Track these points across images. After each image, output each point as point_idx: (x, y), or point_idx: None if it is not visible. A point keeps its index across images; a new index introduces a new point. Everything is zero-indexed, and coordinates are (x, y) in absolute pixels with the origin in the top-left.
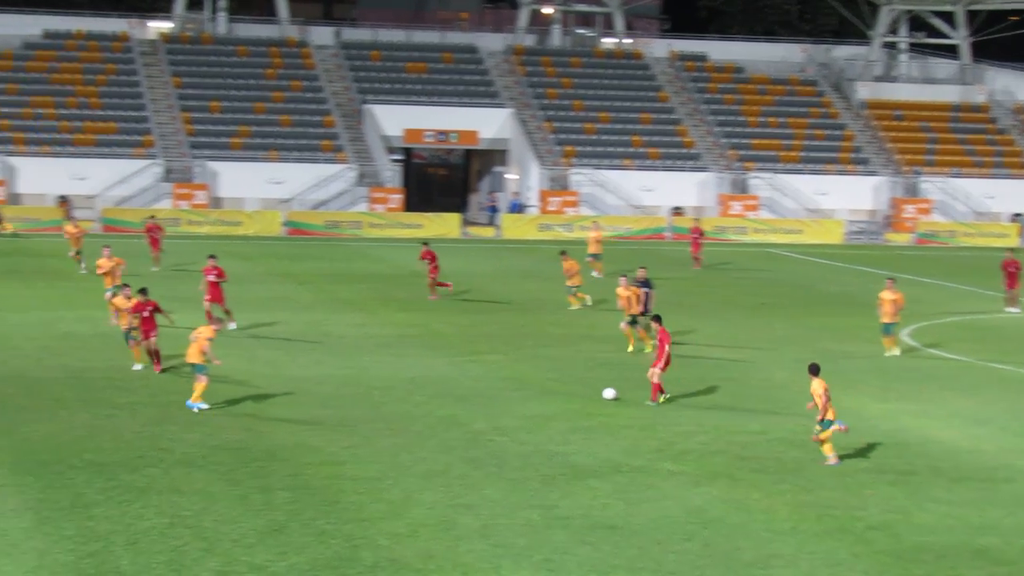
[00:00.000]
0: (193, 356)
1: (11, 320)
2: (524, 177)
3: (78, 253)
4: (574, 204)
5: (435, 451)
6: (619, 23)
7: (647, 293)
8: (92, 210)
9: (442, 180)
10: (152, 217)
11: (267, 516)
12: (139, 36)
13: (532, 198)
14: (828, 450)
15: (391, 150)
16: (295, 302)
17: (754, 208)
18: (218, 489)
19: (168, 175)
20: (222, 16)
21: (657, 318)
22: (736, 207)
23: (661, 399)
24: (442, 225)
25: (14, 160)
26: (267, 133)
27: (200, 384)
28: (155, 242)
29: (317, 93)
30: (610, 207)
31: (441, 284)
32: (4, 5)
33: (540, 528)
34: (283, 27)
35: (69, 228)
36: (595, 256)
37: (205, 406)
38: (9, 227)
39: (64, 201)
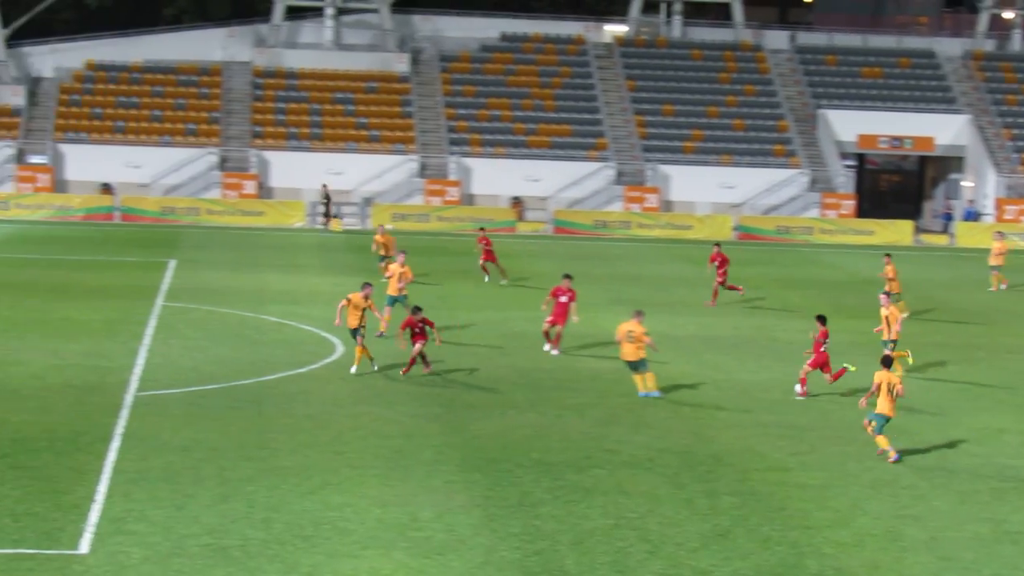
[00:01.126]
0: (630, 355)
1: (463, 319)
2: (980, 185)
3: (385, 260)
4: None
5: (883, 460)
6: None
7: None
8: (544, 211)
9: (895, 186)
10: (482, 229)
11: (712, 520)
12: (595, 39)
13: (988, 206)
14: None
15: (844, 155)
16: (741, 306)
17: None
18: (664, 492)
19: (620, 178)
20: (677, 20)
21: None
22: None
23: None
24: (895, 232)
25: (469, 161)
26: (719, 137)
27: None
28: (489, 254)
29: (771, 97)
30: None
31: (732, 287)
32: (463, 8)
33: (989, 542)
34: (737, 31)
35: (378, 237)
36: (996, 268)
37: (657, 393)
38: (338, 225)
39: (517, 202)
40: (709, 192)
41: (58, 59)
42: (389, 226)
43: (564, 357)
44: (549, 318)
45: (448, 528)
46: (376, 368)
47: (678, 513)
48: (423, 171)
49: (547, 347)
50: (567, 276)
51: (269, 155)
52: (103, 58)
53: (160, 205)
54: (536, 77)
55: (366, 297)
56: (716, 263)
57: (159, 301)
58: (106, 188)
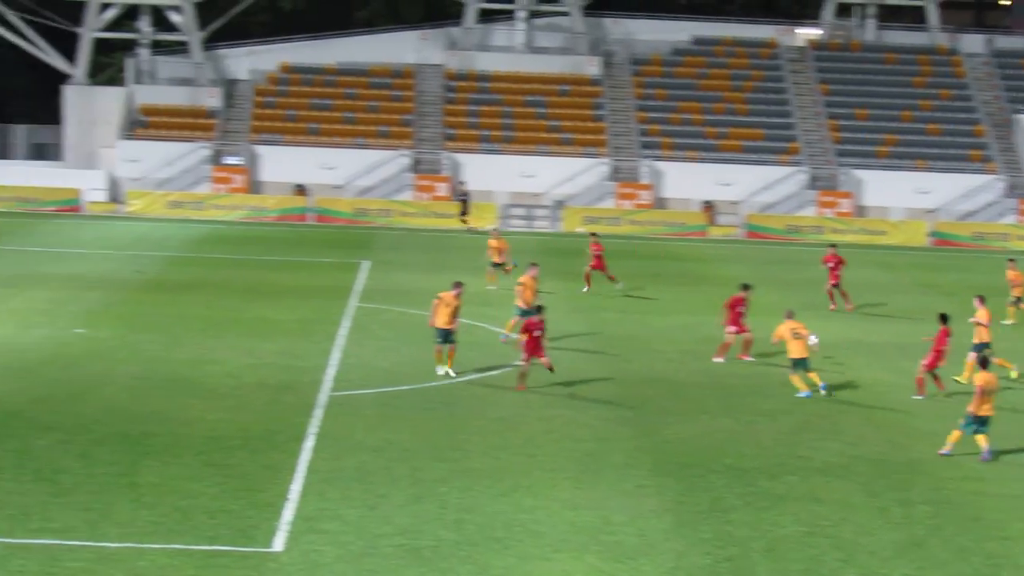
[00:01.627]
0: (800, 352)
1: (655, 324)
2: None
3: (498, 266)
4: None
5: None
6: None
7: None
8: (736, 216)
9: None
10: (594, 235)
11: (906, 530)
12: (787, 43)
13: None
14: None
15: None
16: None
17: None
18: (857, 500)
19: (813, 183)
20: (871, 23)
21: None
22: None
23: None
24: None
25: (661, 165)
26: (913, 142)
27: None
28: (600, 260)
29: (966, 102)
30: None
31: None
32: (655, 12)
33: None
34: (932, 35)
35: (492, 242)
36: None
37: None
38: (470, 222)
39: (709, 207)
40: (903, 197)
41: (253, 61)
42: (492, 228)
43: (757, 363)
44: (732, 329)
45: (640, 532)
46: (453, 374)
47: (872, 521)
48: (614, 174)
49: (747, 358)
50: (745, 287)
51: (461, 157)
52: (297, 60)
53: (353, 207)
54: (728, 81)
55: (457, 296)
56: (830, 265)
57: (353, 302)
58: (300, 189)
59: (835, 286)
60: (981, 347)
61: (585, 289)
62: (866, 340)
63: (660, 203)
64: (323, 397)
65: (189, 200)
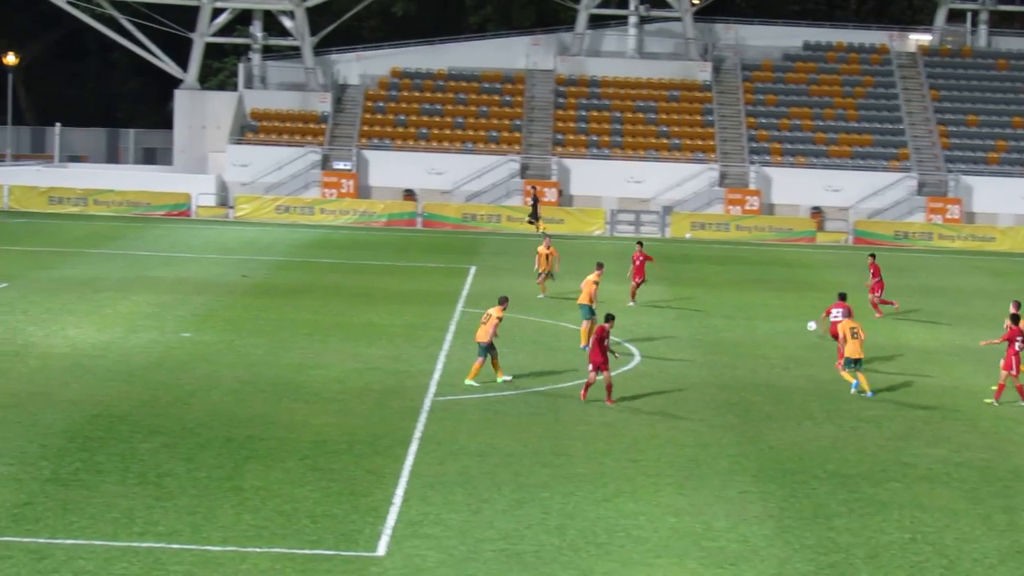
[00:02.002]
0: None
1: (761, 329)
2: None
3: (548, 275)
4: None
5: None
6: None
7: None
8: (844, 222)
9: None
10: (640, 244)
11: (1010, 537)
12: (898, 49)
13: None
14: None
15: None
16: None
17: None
18: (961, 507)
19: (921, 189)
20: (983, 29)
21: None
22: None
23: None
24: None
25: (769, 170)
26: None
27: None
28: (641, 271)
29: None
30: None
31: (884, 302)
32: (766, 17)
33: None
34: None
35: (542, 249)
36: None
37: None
38: (542, 227)
39: (817, 212)
40: (1013, 204)
41: (364, 66)
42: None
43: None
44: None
45: (742, 538)
46: (477, 385)
47: (975, 529)
48: (723, 180)
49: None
50: (842, 295)
51: (569, 163)
52: (408, 65)
53: (461, 212)
54: (838, 86)
55: (501, 308)
56: (872, 274)
57: (459, 307)
58: (409, 194)
59: (875, 294)
60: None
61: (631, 303)
62: (972, 347)
63: (768, 209)
64: (427, 402)
65: (297, 205)
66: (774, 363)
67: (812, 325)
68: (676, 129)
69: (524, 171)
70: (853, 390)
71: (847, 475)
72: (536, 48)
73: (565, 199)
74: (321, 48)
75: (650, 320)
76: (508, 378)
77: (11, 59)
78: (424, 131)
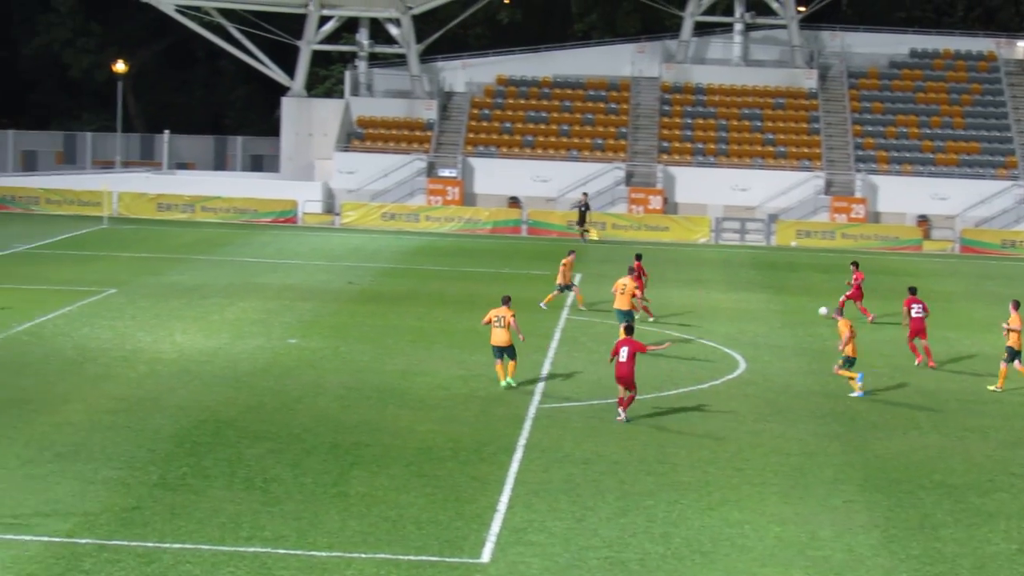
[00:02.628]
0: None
1: (866, 338)
2: None
3: (564, 288)
4: None
5: None
6: None
7: None
8: (951, 230)
9: None
10: (638, 256)
11: None
12: (1006, 56)
13: None
14: None
15: None
16: None
17: None
18: None
19: None
20: None
21: None
22: None
23: None
24: None
25: (876, 179)
26: None
27: None
28: (639, 284)
29: None
30: None
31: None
32: (872, 24)
33: None
34: None
35: (567, 261)
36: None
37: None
38: (595, 234)
39: (924, 221)
40: None
41: (470, 74)
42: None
43: (968, 377)
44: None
45: (847, 548)
46: (514, 384)
47: None
48: (829, 188)
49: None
50: (913, 289)
51: (675, 170)
52: (513, 73)
53: (566, 219)
54: (945, 94)
55: (510, 311)
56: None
57: (564, 314)
58: (514, 202)
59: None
60: (1014, 354)
61: (651, 319)
62: None
63: (874, 217)
64: (532, 409)
65: (403, 212)
66: (880, 372)
67: (823, 311)
68: (782, 137)
69: (629, 179)
70: (858, 385)
71: (953, 485)
72: (641, 55)
73: (670, 207)
74: (427, 56)
75: (755, 328)
76: (513, 384)
77: (121, 67)
78: (529, 138)
